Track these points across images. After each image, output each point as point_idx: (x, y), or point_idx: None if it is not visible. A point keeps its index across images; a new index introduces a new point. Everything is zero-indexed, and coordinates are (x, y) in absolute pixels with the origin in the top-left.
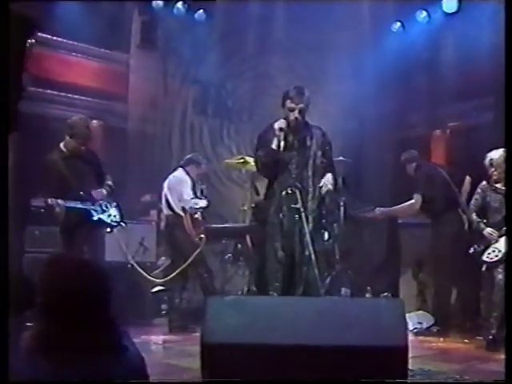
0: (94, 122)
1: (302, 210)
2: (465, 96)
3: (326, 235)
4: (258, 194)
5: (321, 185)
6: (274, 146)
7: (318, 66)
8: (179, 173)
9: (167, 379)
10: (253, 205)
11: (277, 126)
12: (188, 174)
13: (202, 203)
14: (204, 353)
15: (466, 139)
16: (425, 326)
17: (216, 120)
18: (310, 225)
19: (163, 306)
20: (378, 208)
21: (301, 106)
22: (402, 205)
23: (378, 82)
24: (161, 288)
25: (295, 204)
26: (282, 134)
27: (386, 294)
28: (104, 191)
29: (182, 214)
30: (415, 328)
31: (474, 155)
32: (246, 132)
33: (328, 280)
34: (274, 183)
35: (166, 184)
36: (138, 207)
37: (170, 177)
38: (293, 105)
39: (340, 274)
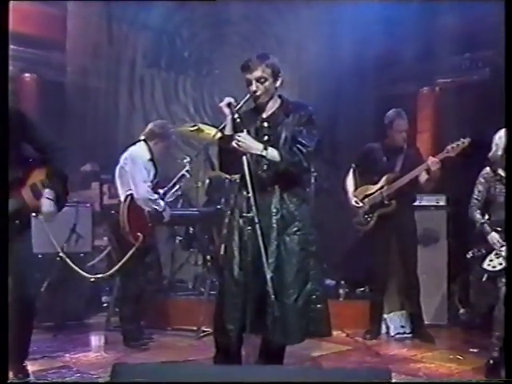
0: (27, 75)
1: (256, 220)
2: (458, 48)
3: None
4: (213, 168)
5: None
6: (227, 132)
7: (290, 13)
8: (136, 149)
9: None
10: (207, 180)
11: (222, 103)
12: (150, 150)
13: (160, 204)
14: None
15: (459, 98)
16: (408, 329)
17: (170, 73)
18: (273, 236)
19: (104, 298)
20: None
21: (257, 74)
22: None
23: (358, 30)
24: (101, 275)
25: (248, 212)
26: (232, 111)
27: (362, 289)
28: (48, 203)
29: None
30: (397, 333)
31: (467, 118)
32: (204, 87)
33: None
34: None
35: (120, 161)
36: (76, 178)
37: (126, 154)
38: (248, 75)
39: None
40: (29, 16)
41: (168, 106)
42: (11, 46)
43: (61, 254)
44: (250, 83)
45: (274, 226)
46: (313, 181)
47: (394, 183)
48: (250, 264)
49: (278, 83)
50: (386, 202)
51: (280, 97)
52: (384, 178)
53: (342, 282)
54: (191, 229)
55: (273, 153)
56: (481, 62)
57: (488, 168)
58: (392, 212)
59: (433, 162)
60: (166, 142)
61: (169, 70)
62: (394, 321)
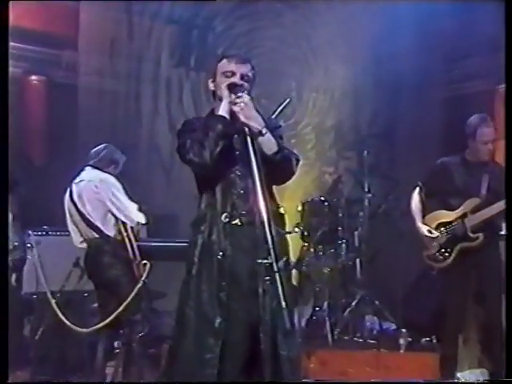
0: (33, 77)
1: (275, 268)
2: None
3: (343, 251)
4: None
5: None
6: (211, 142)
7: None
8: (100, 175)
9: None
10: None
11: (224, 83)
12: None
13: (141, 218)
14: None
15: None
16: None
17: (201, 73)
18: (262, 273)
19: (117, 343)
20: None
21: (244, 69)
22: None
23: (420, 20)
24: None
25: (264, 258)
26: (236, 94)
27: (429, 338)
28: None
29: (111, 234)
30: None
31: None
32: None
33: (346, 314)
34: (217, 190)
35: (77, 193)
36: None
37: (81, 183)
38: (233, 65)
39: (362, 303)
40: (35, 9)
41: (198, 111)
42: (14, 44)
43: (48, 295)
44: (231, 74)
45: (268, 259)
46: (366, 203)
47: (481, 211)
48: (237, 312)
49: None
50: (470, 235)
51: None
52: (467, 203)
53: (404, 330)
54: None
55: (270, 136)
56: None
57: None
58: (477, 247)
59: None
60: (117, 168)
61: (199, 70)
62: (470, 380)
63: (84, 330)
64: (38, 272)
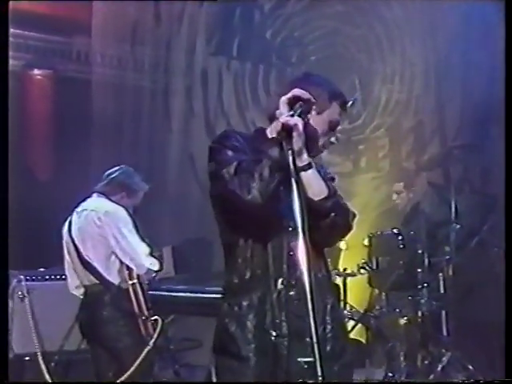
0: (37, 71)
1: (319, 373)
2: None
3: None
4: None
5: None
6: (265, 173)
7: None
8: (106, 205)
9: None
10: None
11: (285, 96)
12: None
13: (153, 264)
14: None
15: None
16: None
17: (245, 64)
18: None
19: None
20: None
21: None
22: None
23: None
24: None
25: (306, 356)
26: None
27: None
28: None
29: (115, 281)
30: None
31: None
32: None
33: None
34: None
35: (78, 226)
36: None
37: (83, 213)
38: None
39: (450, 366)
40: None
41: (242, 110)
42: (13, 31)
43: (39, 356)
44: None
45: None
46: (454, 236)
47: None
48: None
49: None
50: None
51: None
52: None
53: None
54: None
55: (316, 174)
56: None
57: None
58: None
59: None
60: (133, 198)
61: (243, 59)
62: None
63: None
64: (30, 328)
